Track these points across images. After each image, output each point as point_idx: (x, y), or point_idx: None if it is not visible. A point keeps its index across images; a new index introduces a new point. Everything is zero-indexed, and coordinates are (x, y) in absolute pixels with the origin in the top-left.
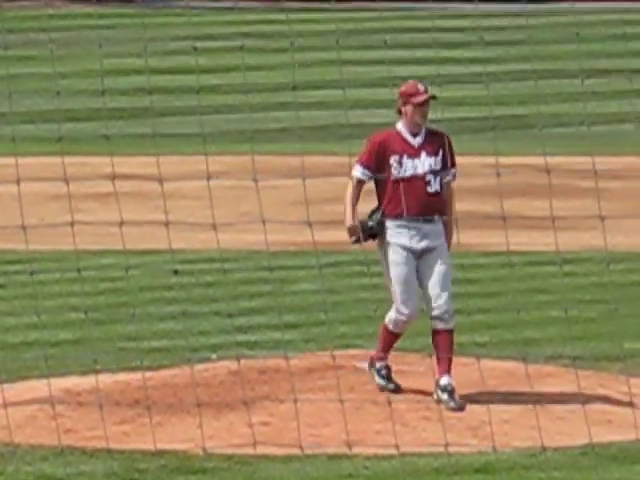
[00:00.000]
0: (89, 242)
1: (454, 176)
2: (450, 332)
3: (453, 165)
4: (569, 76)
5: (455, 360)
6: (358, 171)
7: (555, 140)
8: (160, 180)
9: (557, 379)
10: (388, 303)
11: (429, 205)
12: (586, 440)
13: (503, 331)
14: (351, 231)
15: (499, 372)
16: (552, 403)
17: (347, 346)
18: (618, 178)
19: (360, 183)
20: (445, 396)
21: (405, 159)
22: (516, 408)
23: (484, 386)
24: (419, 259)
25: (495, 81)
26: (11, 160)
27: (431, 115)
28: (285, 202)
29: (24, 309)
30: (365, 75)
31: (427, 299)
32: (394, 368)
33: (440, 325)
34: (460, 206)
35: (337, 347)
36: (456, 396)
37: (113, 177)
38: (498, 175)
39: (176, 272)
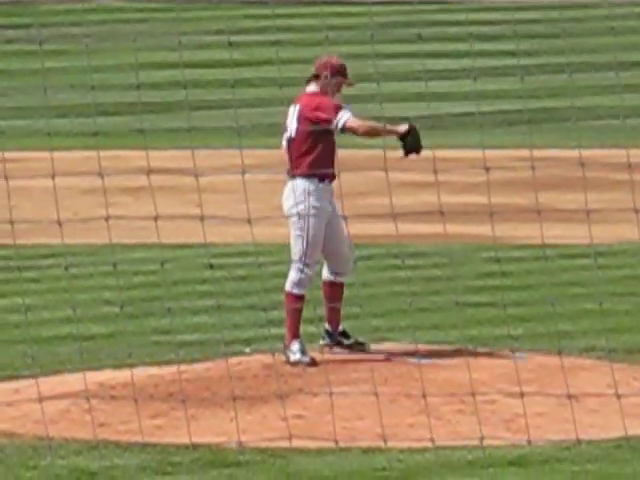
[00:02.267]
0: (123, 236)
1: None
2: (343, 285)
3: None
4: (603, 69)
5: (489, 353)
6: (348, 113)
7: (589, 133)
8: (195, 174)
9: (591, 372)
10: (421, 296)
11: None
12: (620, 433)
13: (537, 324)
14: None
15: (533, 365)
16: (586, 396)
17: (381, 339)
18: None
19: (356, 117)
20: (351, 340)
21: None
22: (550, 401)
23: (518, 379)
24: (328, 221)
25: (529, 74)
26: (46, 154)
27: (465, 108)
28: None
29: (58, 303)
30: (399, 68)
31: (334, 256)
32: (427, 361)
33: (339, 279)
34: (494, 199)
35: (371, 340)
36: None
37: (147, 171)
38: (532, 168)
39: (211, 266)
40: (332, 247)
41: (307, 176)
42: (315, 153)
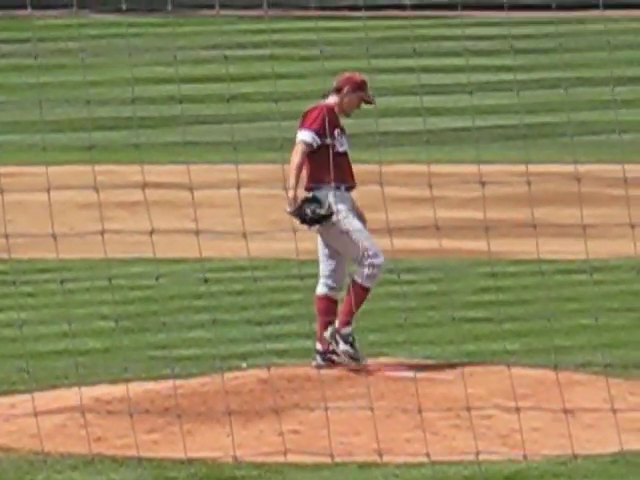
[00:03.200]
0: (119, 251)
1: None
2: (337, 302)
3: None
4: (599, 84)
5: (485, 368)
6: (309, 136)
7: (585, 148)
8: (190, 188)
9: (587, 387)
10: (417, 311)
11: (353, 178)
12: (617, 448)
13: (533, 339)
14: (294, 201)
15: (529, 380)
16: (582, 411)
17: (377, 354)
18: None
19: (308, 148)
20: (343, 357)
21: (341, 134)
22: (546, 416)
23: (514, 394)
24: None
25: (525, 89)
26: (41, 169)
27: (461, 123)
28: None
29: (54, 318)
30: (394, 83)
31: (336, 269)
32: (422, 376)
33: (334, 294)
34: (490, 214)
35: (367, 355)
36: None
37: (143, 185)
38: (529, 183)
39: (206, 281)
40: (338, 260)
41: (318, 187)
42: (316, 162)
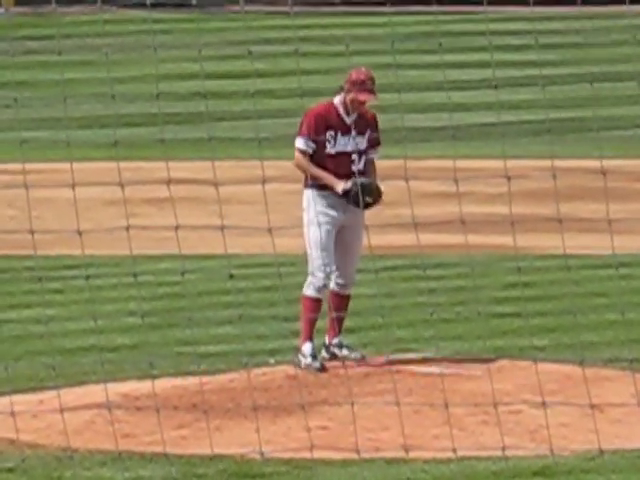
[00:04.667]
0: (145, 247)
1: (378, 153)
2: (349, 297)
3: (378, 144)
4: (625, 79)
5: (513, 364)
6: (302, 143)
7: (611, 143)
8: (216, 184)
9: (615, 382)
10: (445, 307)
11: (348, 178)
12: None
13: (560, 334)
14: (342, 183)
15: (557, 375)
16: (610, 406)
17: (404, 350)
18: None
19: (306, 155)
20: (345, 351)
21: (339, 136)
22: (574, 411)
23: (542, 390)
24: (339, 231)
25: (551, 84)
26: (67, 165)
27: (488, 118)
28: None
29: (81, 314)
30: (420, 79)
31: (338, 267)
32: (450, 371)
33: (343, 291)
34: (517, 209)
35: (394, 351)
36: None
37: (169, 182)
38: (554, 178)
39: (232, 276)
40: (337, 258)
41: (309, 186)
42: (313, 164)
